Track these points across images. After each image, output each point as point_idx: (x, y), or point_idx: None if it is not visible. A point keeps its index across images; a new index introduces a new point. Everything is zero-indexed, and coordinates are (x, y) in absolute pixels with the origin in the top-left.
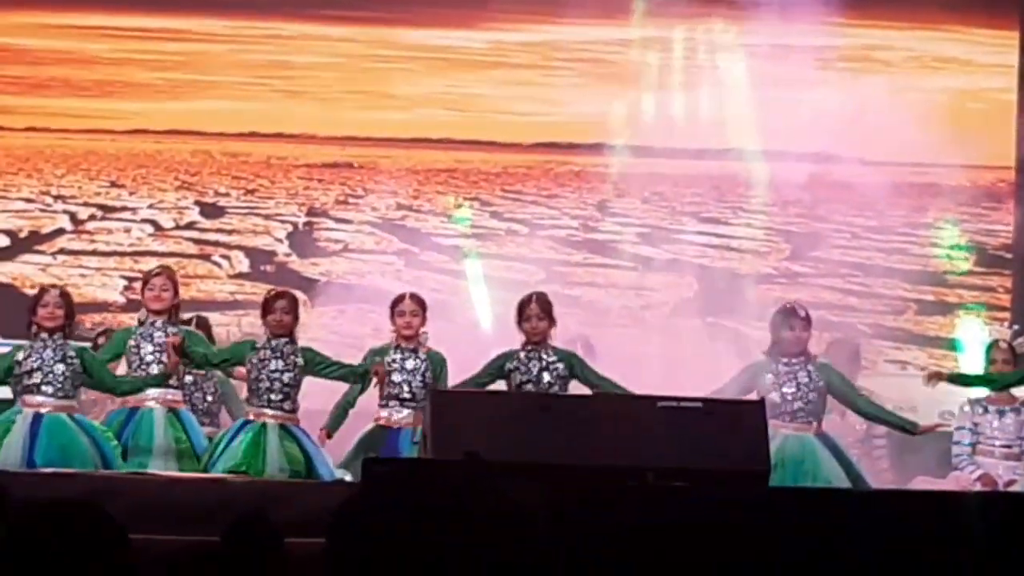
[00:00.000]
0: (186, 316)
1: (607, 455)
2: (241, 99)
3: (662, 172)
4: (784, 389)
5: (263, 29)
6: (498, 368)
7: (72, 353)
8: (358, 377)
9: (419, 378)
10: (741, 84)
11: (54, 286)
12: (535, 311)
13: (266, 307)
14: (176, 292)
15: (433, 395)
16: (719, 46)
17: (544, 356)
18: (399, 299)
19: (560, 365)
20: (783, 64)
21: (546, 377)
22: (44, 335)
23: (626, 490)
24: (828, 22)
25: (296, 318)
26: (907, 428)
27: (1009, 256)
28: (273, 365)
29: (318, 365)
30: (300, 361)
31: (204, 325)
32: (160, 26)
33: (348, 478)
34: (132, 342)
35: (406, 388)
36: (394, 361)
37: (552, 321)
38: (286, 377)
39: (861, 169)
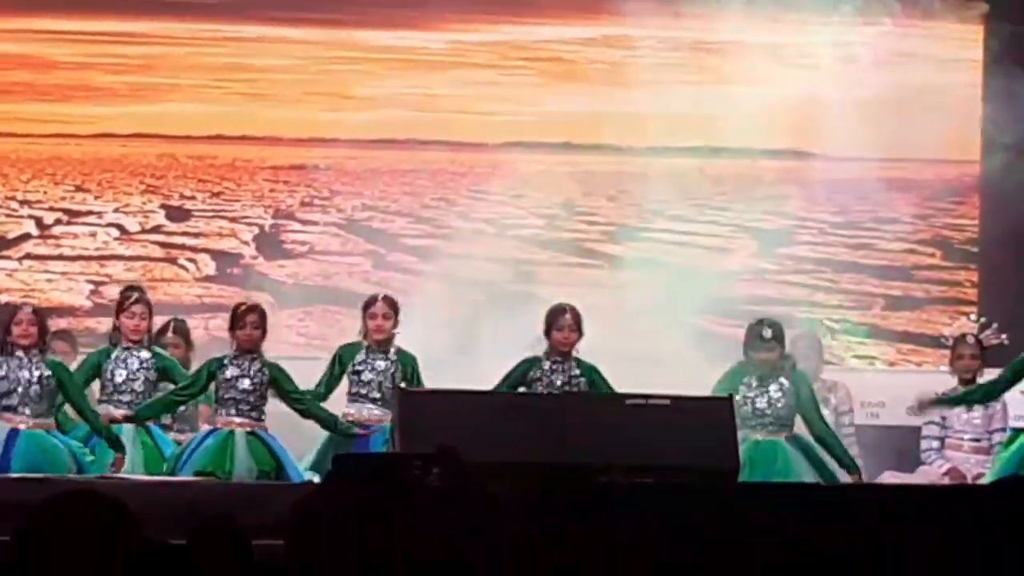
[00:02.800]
0: (162, 320)
1: (577, 453)
2: (205, 101)
3: (628, 170)
4: (757, 404)
5: (225, 32)
6: (521, 374)
7: (48, 372)
8: (322, 421)
9: (390, 379)
10: (703, 80)
11: (26, 303)
12: (568, 322)
13: (236, 320)
14: (151, 316)
15: (401, 394)
16: (681, 43)
17: (568, 370)
18: (371, 301)
19: (582, 380)
20: (746, 60)
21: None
22: (20, 353)
23: (596, 487)
24: (790, 18)
25: (265, 332)
26: (849, 466)
27: (975, 250)
28: (242, 385)
29: (288, 394)
30: (267, 378)
31: (182, 330)
32: (122, 30)
33: (317, 479)
34: (106, 366)
35: (376, 389)
36: (364, 361)
37: (582, 333)
38: (253, 397)
39: (826, 165)
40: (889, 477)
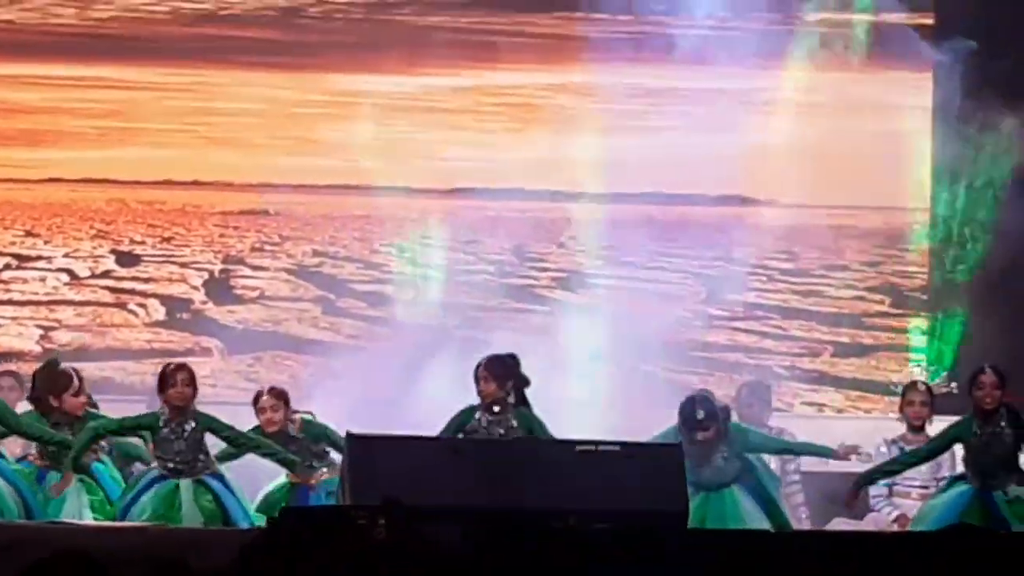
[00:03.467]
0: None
1: (528, 499)
2: (157, 147)
3: (578, 216)
4: (703, 472)
5: (183, 77)
6: (459, 426)
7: None
8: (267, 454)
9: (309, 455)
10: (654, 127)
11: None
12: (481, 373)
13: (165, 379)
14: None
15: (350, 440)
16: (632, 90)
17: (505, 422)
18: (257, 395)
19: (521, 432)
20: (697, 107)
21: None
22: None
23: (546, 533)
24: (741, 66)
25: (196, 389)
26: (824, 453)
27: (924, 298)
28: (176, 447)
29: (227, 438)
30: (199, 435)
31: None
32: (77, 75)
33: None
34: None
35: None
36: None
37: (502, 384)
38: (190, 456)
39: (776, 211)
40: (839, 524)
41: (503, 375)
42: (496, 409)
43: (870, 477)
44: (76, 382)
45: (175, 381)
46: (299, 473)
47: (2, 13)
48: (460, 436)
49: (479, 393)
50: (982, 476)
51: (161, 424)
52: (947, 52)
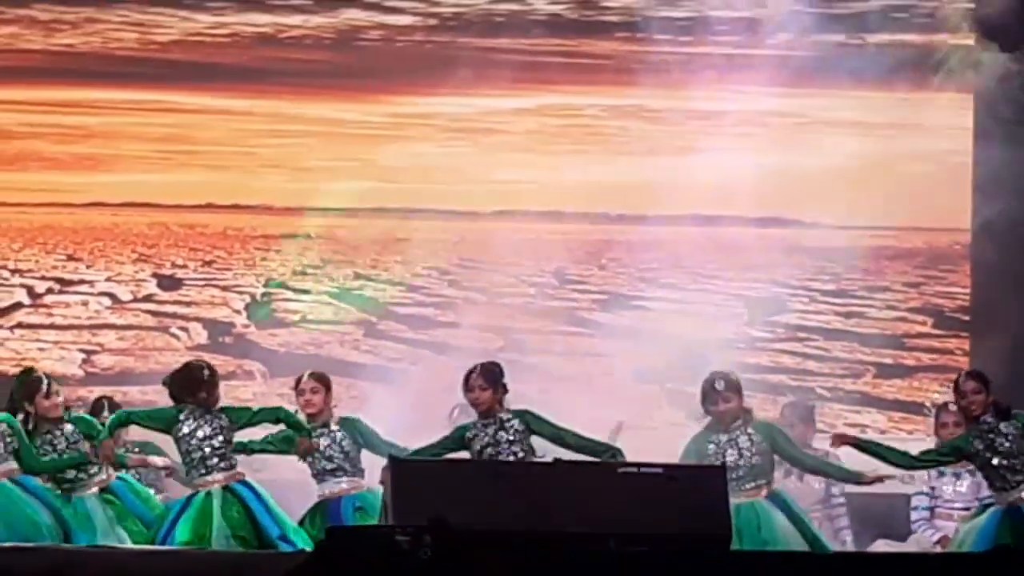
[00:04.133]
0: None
1: (569, 522)
2: (197, 171)
3: (618, 239)
4: (727, 458)
5: (221, 103)
6: (458, 438)
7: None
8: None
9: (338, 450)
10: (695, 149)
11: None
12: (477, 382)
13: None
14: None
15: (393, 464)
16: (674, 112)
17: (500, 418)
18: (299, 379)
19: (516, 422)
20: (739, 128)
21: (504, 436)
22: None
23: (589, 556)
24: (782, 87)
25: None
26: (852, 479)
27: (966, 318)
28: (201, 432)
29: (241, 417)
30: (224, 421)
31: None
32: (118, 98)
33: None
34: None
35: (328, 461)
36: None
37: (496, 390)
38: (216, 441)
39: (817, 233)
40: (881, 546)
41: (496, 382)
42: (483, 417)
43: (865, 444)
44: (45, 385)
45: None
46: (304, 438)
47: (63, 38)
48: (462, 450)
49: (474, 401)
50: (1003, 480)
51: (181, 417)
52: (987, 73)
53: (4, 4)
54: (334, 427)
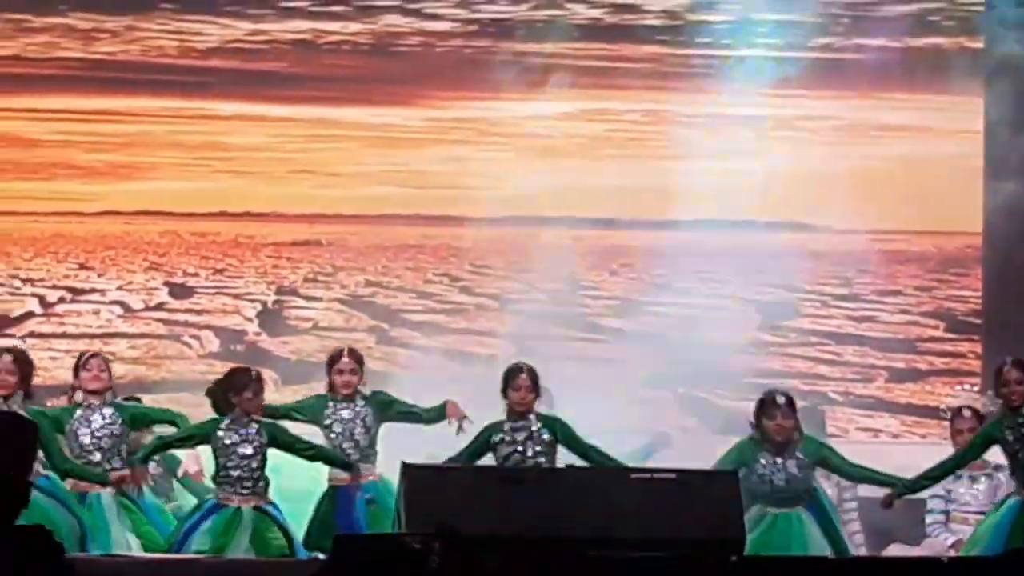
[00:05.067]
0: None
1: (583, 527)
2: (207, 179)
3: (631, 244)
4: (775, 481)
5: (229, 110)
6: (484, 442)
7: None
8: (329, 460)
9: (360, 425)
10: (706, 154)
11: (8, 349)
12: (525, 382)
13: (244, 386)
14: (111, 374)
15: (406, 470)
16: (684, 117)
17: (530, 426)
18: (337, 355)
19: (544, 432)
20: (749, 133)
21: (532, 447)
22: None
23: (602, 562)
24: (792, 91)
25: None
26: (885, 481)
27: (978, 322)
28: (243, 450)
29: (292, 445)
30: (265, 440)
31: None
32: (126, 107)
33: (320, 556)
34: (70, 427)
35: (347, 439)
36: (333, 413)
37: (538, 392)
38: (255, 463)
39: (829, 237)
40: (896, 550)
41: (537, 385)
42: (517, 418)
43: (914, 485)
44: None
45: (258, 389)
46: (352, 474)
47: (101, 46)
48: (488, 453)
49: (519, 402)
50: None
51: (224, 427)
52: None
53: (38, 13)
54: (360, 403)
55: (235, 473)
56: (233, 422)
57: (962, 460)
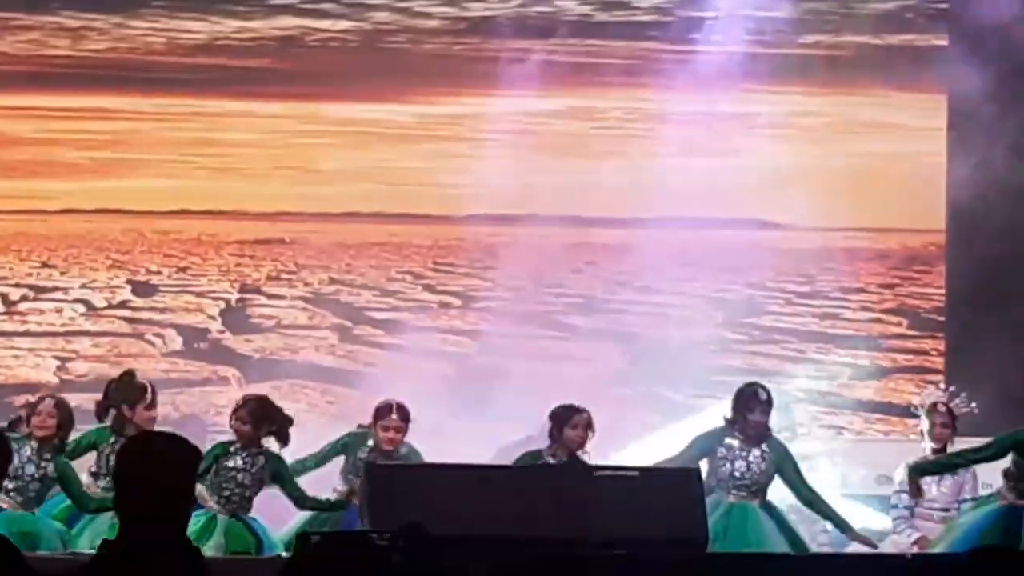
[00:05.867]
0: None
1: (546, 526)
2: (170, 176)
3: (594, 242)
4: (735, 464)
5: (191, 107)
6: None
7: (53, 474)
8: (316, 507)
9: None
10: (668, 152)
11: (51, 395)
12: (585, 420)
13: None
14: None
15: (367, 469)
16: (646, 115)
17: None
18: (385, 411)
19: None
20: (710, 131)
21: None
22: (33, 443)
23: (566, 561)
24: (756, 89)
25: (256, 427)
26: (841, 527)
27: (941, 319)
28: (240, 478)
29: (286, 486)
30: (267, 474)
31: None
32: (87, 105)
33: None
34: (101, 450)
35: None
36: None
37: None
38: (248, 492)
39: (792, 235)
40: (858, 546)
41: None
42: (565, 458)
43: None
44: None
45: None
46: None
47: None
48: None
49: (575, 439)
50: None
51: (232, 451)
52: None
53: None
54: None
55: (226, 494)
56: (243, 447)
57: (992, 457)
